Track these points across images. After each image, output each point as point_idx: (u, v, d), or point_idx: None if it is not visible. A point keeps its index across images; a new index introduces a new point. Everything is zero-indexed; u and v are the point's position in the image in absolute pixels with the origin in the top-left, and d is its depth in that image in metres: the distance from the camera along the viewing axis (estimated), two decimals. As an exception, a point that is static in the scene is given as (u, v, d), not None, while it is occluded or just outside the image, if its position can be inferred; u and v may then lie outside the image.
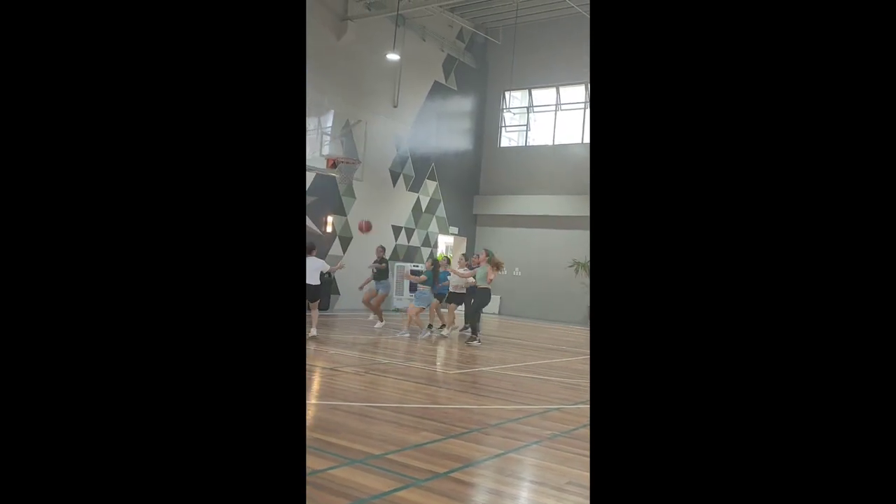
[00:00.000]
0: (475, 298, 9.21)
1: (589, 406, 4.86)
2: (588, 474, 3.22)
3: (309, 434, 3.62)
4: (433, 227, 17.16)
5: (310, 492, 2.67)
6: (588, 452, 3.65)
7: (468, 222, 18.46)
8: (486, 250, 9.77)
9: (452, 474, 3.08)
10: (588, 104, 17.55)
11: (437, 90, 16.95)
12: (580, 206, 16.75)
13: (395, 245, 15.81)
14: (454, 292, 9.72)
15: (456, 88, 17.59)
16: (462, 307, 10.06)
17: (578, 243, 16.64)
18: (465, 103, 18.10)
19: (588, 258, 16.28)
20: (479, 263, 9.49)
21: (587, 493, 2.95)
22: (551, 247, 17.11)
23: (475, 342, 8.94)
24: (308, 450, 3.27)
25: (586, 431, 4.22)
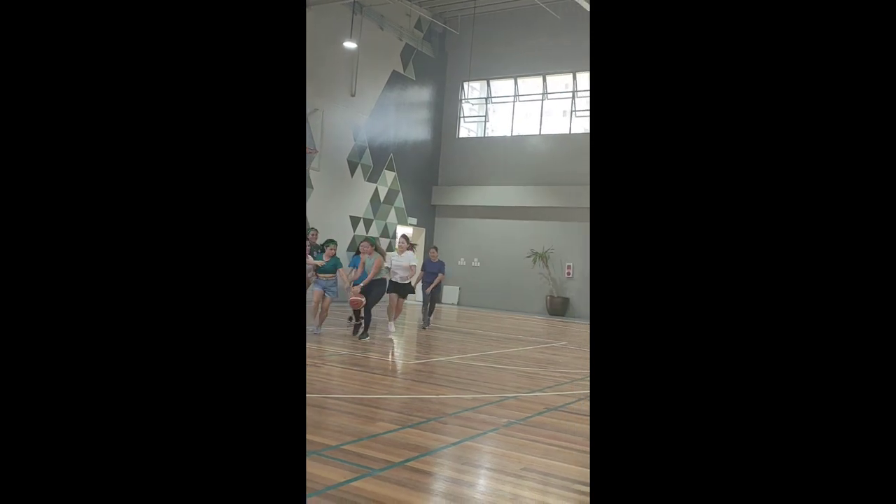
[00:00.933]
0: (374, 291, 7.99)
1: (543, 393, 4.89)
2: (544, 460, 3.27)
3: (263, 426, 3.56)
4: (392, 217, 17.09)
5: (263, 484, 2.62)
6: (544, 440, 3.70)
7: (427, 213, 18.44)
8: (367, 239, 8.70)
9: (408, 463, 3.07)
10: (545, 96, 17.72)
11: (396, 80, 16.84)
12: (538, 197, 16.94)
13: (354, 236, 15.68)
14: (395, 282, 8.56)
15: (414, 78, 17.50)
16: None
17: (536, 234, 16.82)
18: (423, 93, 18.03)
19: (546, 248, 16.50)
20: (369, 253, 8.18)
21: (543, 478, 2.99)
22: (510, 237, 17.25)
23: (366, 337, 7.85)
24: (262, 442, 3.21)
25: (542, 419, 4.28)
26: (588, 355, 8.15)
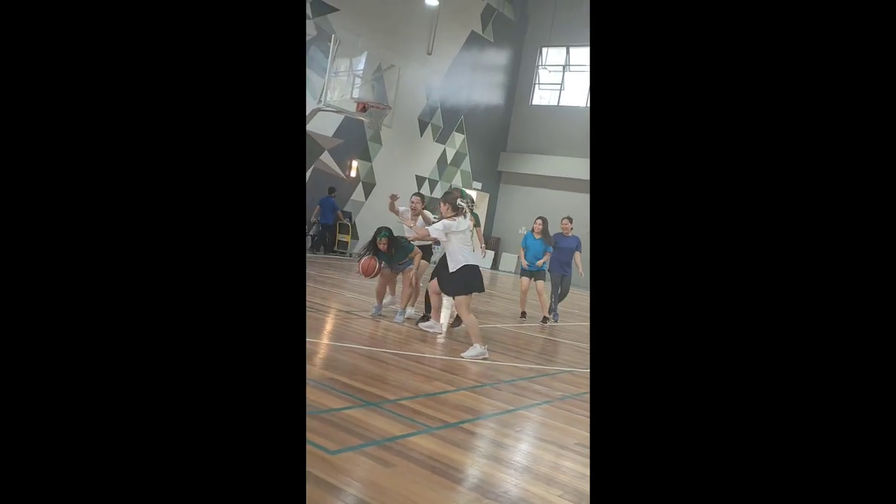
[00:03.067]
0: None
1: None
2: (596, 437, 3.28)
3: (324, 374, 3.71)
4: (457, 180, 17.08)
5: (326, 429, 2.75)
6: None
7: (492, 179, 18.34)
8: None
9: (463, 425, 3.15)
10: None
11: (474, 40, 16.60)
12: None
13: (418, 195, 15.77)
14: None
15: (492, 40, 17.22)
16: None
17: (602, 209, 16.43)
18: (500, 56, 17.74)
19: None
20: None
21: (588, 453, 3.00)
22: (574, 210, 16.88)
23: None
24: (324, 389, 3.36)
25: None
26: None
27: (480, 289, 5.07)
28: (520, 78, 18.38)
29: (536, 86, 18.47)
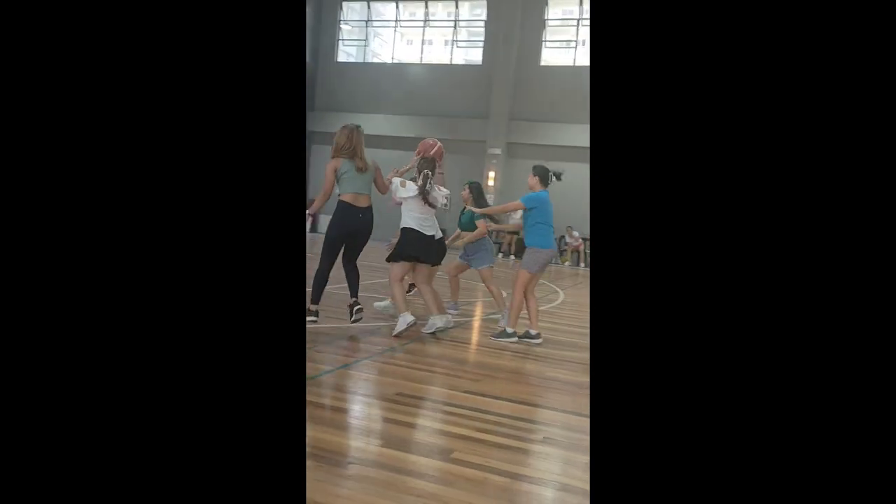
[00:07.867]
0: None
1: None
2: (417, 385, 3.37)
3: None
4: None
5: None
6: (418, 367, 3.81)
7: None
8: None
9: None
10: (426, 23, 17.25)
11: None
12: (417, 128, 16.67)
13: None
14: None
15: (290, -7, 16.36)
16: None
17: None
18: (299, 10, 16.94)
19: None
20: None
21: (416, 402, 3.09)
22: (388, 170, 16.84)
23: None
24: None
25: (414, 346, 4.39)
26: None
27: (422, 258, 4.84)
28: (323, 34, 17.74)
29: (340, 42, 18.00)
